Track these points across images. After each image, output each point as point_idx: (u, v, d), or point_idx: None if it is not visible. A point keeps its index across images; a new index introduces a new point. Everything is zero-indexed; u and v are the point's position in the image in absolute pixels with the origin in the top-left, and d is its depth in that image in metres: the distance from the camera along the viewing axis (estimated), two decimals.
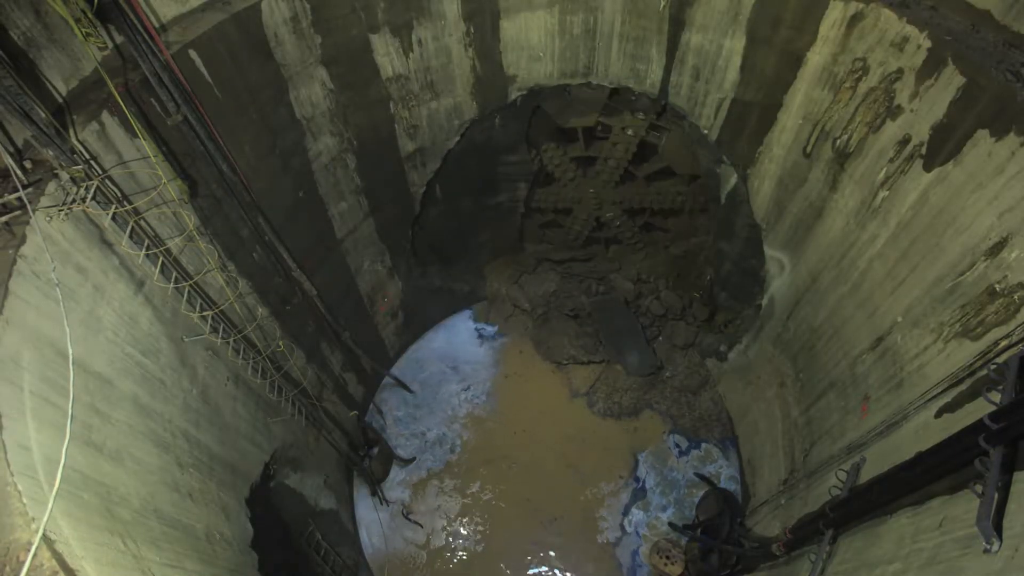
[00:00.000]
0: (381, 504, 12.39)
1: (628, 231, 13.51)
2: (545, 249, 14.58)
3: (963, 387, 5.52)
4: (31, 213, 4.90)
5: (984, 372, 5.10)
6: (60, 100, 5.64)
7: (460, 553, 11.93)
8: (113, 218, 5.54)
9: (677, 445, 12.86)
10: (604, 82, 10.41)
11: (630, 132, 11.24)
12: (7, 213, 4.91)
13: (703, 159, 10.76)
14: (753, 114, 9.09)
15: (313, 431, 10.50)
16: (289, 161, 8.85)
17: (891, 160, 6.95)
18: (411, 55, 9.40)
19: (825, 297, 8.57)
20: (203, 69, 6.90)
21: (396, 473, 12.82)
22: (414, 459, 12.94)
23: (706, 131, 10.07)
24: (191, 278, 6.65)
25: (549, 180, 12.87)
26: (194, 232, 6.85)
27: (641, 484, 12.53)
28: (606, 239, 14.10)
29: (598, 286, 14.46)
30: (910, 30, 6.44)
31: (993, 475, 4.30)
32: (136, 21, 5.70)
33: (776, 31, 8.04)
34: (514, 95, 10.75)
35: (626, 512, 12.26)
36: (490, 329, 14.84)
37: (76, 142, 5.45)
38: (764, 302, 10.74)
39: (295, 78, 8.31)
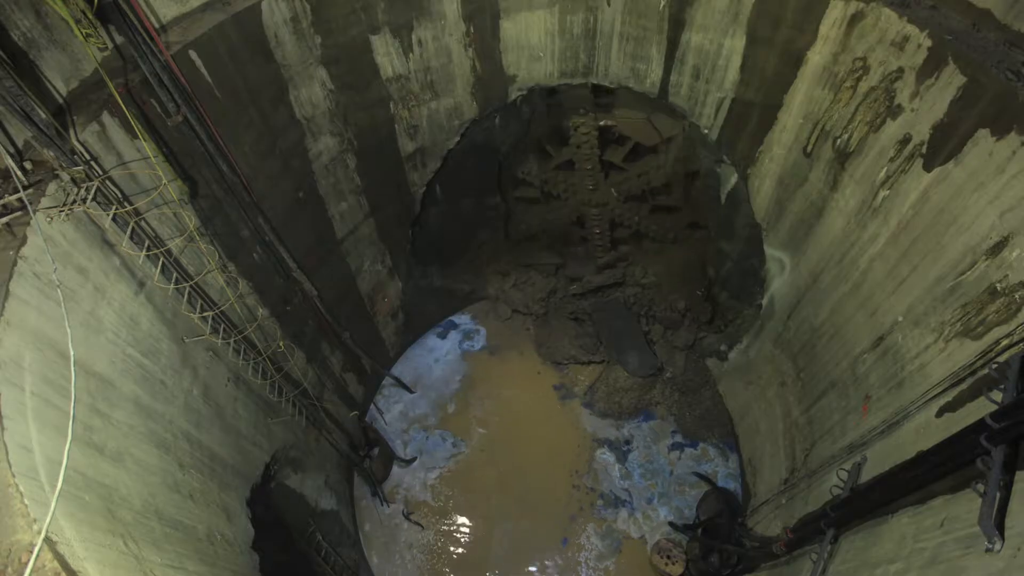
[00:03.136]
0: (382, 504, 12.39)
1: (643, 220, 13.14)
2: (578, 263, 14.43)
3: (964, 386, 5.52)
4: (32, 214, 4.89)
5: (985, 371, 5.10)
6: (60, 101, 5.64)
7: (461, 554, 11.92)
8: (114, 219, 5.53)
9: (677, 444, 12.90)
10: (604, 82, 10.41)
11: (678, 167, 11.36)
12: (8, 214, 4.91)
13: (703, 159, 10.76)
14: (753, 114, 9.09)
15: (314, 431, 10.50)
16: (289, 161, 8.85)
17: (892, 159, 6.95)
18: (411, 55, 9.40)
19: (826, 297, 8.57)
20: (203, 69, 6.90)
21: (397, 473, 12.82)
22: (415, 459, 12.94)
23: (706, 131, 10.07)
24: (192, 279, 6.65)
25: (565, 165, 12.81)
26: (194, 233, 6.85)
27: (626, 448, 12.85)
28: (631, 236, 13.84)
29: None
30: (910, 29, 6.44)
31: (995, 474, 4.30)
32: (136, 22, 5.69)
33: (776, 31, 8.04)
34: (514, 95, 10.75)
35: (599, 446, 12.82)
36: (485, 330, 14.84)
37: (76, 143, 5.44)
38: (765, 302, 10.74)
39: (295, 78, 8.30)
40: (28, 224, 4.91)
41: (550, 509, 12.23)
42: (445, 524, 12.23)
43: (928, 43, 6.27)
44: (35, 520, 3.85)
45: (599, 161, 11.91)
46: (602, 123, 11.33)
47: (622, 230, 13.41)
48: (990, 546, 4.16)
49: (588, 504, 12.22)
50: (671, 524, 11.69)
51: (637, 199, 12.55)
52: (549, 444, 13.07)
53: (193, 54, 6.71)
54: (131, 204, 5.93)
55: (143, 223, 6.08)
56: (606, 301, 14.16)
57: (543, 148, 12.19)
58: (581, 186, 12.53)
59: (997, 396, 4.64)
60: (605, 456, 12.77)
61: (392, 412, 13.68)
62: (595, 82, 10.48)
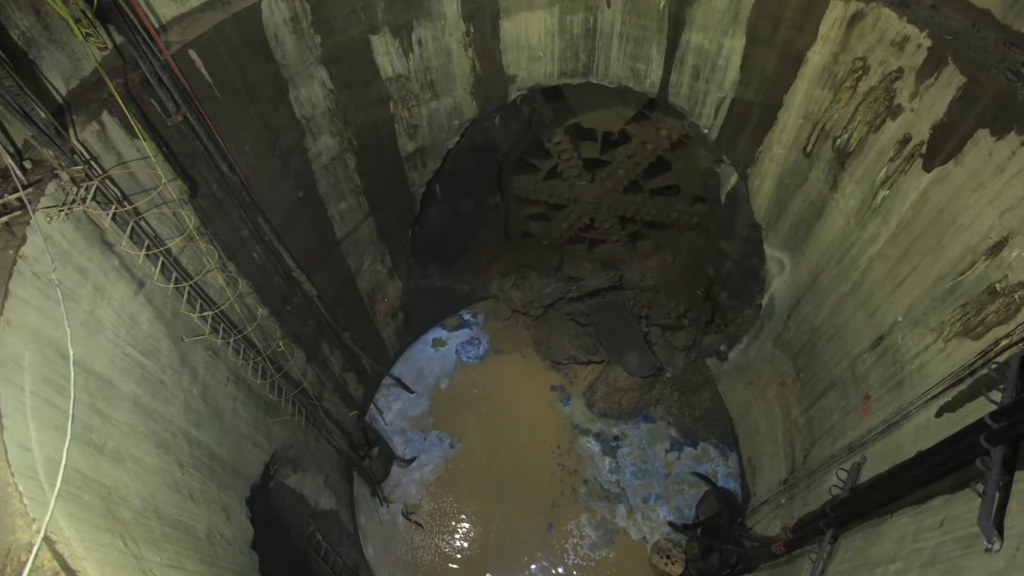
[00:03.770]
0: (381, 504, 12.39)
1: (615, 236, 13.43)
2: (526, 241, 14.47)
3: (964, 386, 5.52)
4: (31, 213, 4.89)
5: (985, 371, 5.10)
6: (60, 100, 5.64)
7: (460, 553, 11.93)
8: (113, 218, 5.54)
9: (675, 443, 12.91)
10: (604, 82, 10.41)
11: (650, 147, 11.31)
12: (7, 213, 4.91)
13: (703, 160, 10.75)
14: (753, 114, 9.08)
15: (313, 431, 10.50)
16: (289, 161, 8.85)
17: (891, 159, 6.95)
18: (411, 55, 9.40)
19: (826, 296, 8.57)
20: (203, 69, 6.90)
21: (396, 473, 12.81)
22: (415, 459, 12.94)
23: (706, 131, 10.06)
24: (191, 278, 6.65)
25: (552, 174, 12.83)
26: (194, 232, 6.84)
27: (615, 443, 12.93)
28: (591, 240, 13.99)
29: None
30: (910, 29, 6.44)
31: (994, 474, 4.31)
32: (136, 21, 5.69)
33: (776, 31, 8.03)
34: (514, 95, 10.75)
35: (585, 433, 12.94)
36: (485, 330, 14.84)
37: (76, 142, 5.45)
38: (764, 302, 10.74)
39: (295, 78, 8.30)
40: (28, 223, 4.92)
41: (547, 508, 12.23)
42: (444, 523, 12.23)
43: (928, 43, 6.27)
44: (34, 519, 3.85)
45: (580, 160, 11.91)
46: (568, 123, 11.34)
47: (632, 224, 13.37)
48: (989, 546, 4.16)
49: (570, 488, 12.28)
50: (671, 524, 11.68)
51: (633, 188, 12.52)
52: (547, 444, 13.07)
53: (193, 54, 6.71)
54: (131, 204, 5.93)
55: (143, 223, 6.08)
56: (605, 302, 14.15)
57: (529, 164, 12.20)
58: (578, 188, 12.54)
59: (996, 396, 4.64)
60: (591, 444, 12.92)
61: (392, 412, 13.68)
62: (595, 81, 10.48)
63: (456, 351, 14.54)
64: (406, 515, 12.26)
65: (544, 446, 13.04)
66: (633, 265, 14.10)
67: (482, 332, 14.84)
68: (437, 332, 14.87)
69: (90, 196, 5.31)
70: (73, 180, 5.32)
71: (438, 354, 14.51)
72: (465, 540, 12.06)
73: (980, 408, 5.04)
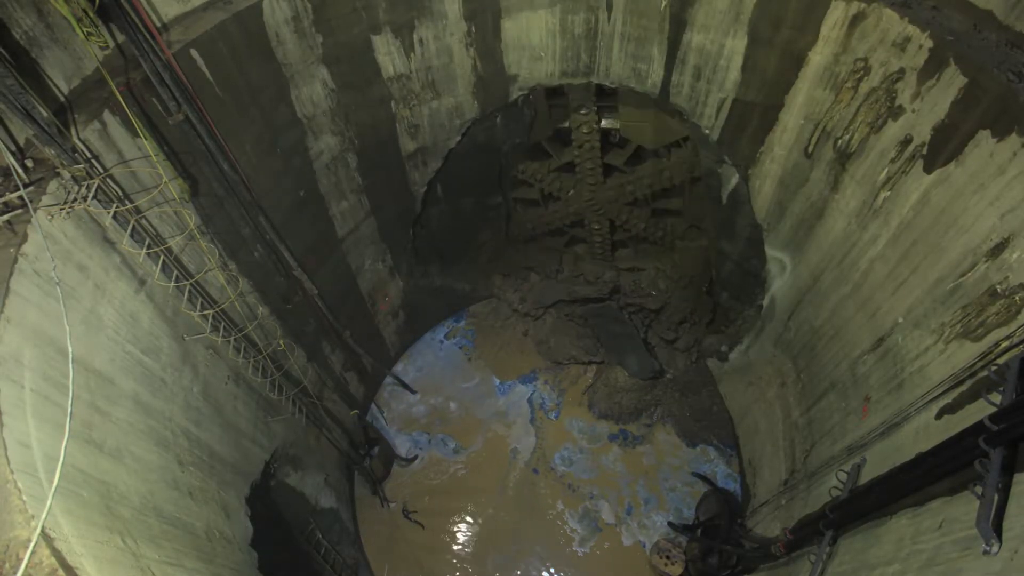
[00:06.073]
0: (382, 504, 12.40)
1: (642, 223, 13.00)
2: (582, 261, 14.37)
3: (964, 388, 5.50)
4: (32, 212, 4.91)
5: (985, 373, 5.08)
6: (62, 99, 5.67)
7: (460, 553, 11.93)
8: (114, 217, 5.56)
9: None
10: (605, 82, 10.40)
11: (584, 113, 11.06)
12: (9, 212, 4.93)
13: (704, 158, 10.73)
14: (754, 114, 9.06)
15: (314, 430, 10.52)
16: (290, 160, 8.87)
17: (892, 160, 6.93)
18: (412, 54, 9.41)
19: (826, 297, 8.55)
20: (204, 68, 6.92)
21: (397, 472, 12.83)
22: (415, 458, 12.95)
23: (707, 131, 10.04)
24: (192, 277, 6.67)
25: (548, 200, 12.84)
26: (195, 231, 6.86)
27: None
28: (630, 239, 13.74)
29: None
30: (912, 30, 6.42)
31: (993, 477, 4.29)
32: (137, 20, 5.72)
33: (778, 31, 8.02)
34: (515, 95, 10.75)
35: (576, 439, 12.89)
36: (486, 330, 14.83)
37: (77, 141, 5.47)
38: (765, 302, 10.72)
39: (296, 77, 8.32)
40: (29, 222, 4.94)
41: (547, 510, 12.24)
42: (444, 523, 12.23)
43: (929, 44, 6.25)
44: (32, 516, 3.87)
45: (600, 163, 11.88)
46: (604, 125, 11.28)
47: (622, 232, 13.36)
48: (987, 548, 4.15)
49: (560, 488, 12.41)
50: (670, 524, 11.67)
51: (638, 203, 12.50)
52: (544, 446, 13.07)
53: (194, 53, 6.74)
54: (132, 202, 5.95)
55: (144, 221, 6.11)
56: (600, 308, 14.05)
57: (543, 149, 12.15)
58: (582, 187, 12.49)
59: (996, 398, 4.63)
60: (577, 448, 12.96)
61: (393, 411, 13.69)
62: (596, 82, 10.47)
63: (457, 351, 14.53)
64: (407, 514, 12.27)
65: (542, 449, 13.05)
66: (628, 277, 13.98)
67: (483, 333, 14.82)
68: (438, 331, 14.87)
69: (91, 195, 5.33)
70: (74, 178, 5.34)
71: (439, 354, 14.51)
72: (466, 540, 12.06)
73: (980, 410, 5.03)
